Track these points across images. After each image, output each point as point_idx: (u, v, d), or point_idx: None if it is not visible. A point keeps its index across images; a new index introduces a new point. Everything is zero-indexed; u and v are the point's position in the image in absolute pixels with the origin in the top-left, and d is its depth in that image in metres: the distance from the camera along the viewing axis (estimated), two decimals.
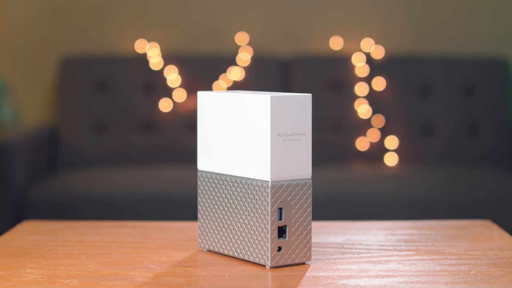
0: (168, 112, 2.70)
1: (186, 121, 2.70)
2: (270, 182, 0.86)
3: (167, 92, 2.71)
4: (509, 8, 2.86)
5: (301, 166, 0.88)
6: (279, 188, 0.86)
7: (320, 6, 2.84)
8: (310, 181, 0.89)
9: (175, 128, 2.70)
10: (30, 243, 0.99)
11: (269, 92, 0.90)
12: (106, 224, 1.13)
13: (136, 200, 2.28)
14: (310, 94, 0.88)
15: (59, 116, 2.71)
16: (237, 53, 2.76)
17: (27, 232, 1.05)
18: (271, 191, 0.86)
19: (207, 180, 0.94)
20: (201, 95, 0.96)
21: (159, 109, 2.70)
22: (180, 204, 2.27)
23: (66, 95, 2.71)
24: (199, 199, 0.96)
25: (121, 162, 2.63)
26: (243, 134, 0.89)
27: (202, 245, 0.96)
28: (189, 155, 2.68)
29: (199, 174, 0.96)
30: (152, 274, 0.83)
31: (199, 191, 0.96)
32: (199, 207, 0.95)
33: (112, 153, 2.68)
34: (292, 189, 0.87)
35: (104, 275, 0.82)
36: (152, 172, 2.48)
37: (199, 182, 0.95)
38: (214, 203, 0.93)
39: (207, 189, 0.95)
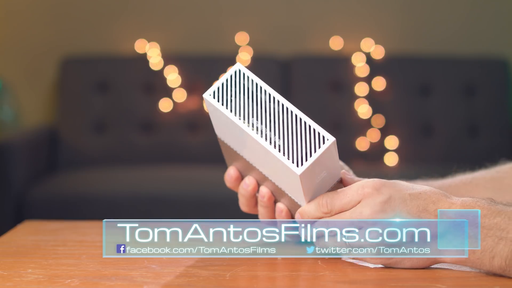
0: (168, 112, 2.70)
1: (186, 121, 2.70)
2: None
3: (167, 92, 2.71)
4: (509, 8, 2.86)
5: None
6: None
7: (320, 6, 2.84)
8: None
9: (175, 128, 2.70)
10: (31, 243, 0.99)
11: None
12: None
13: (136, 200, 2.28)
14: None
15: (59, 116, 2.71)
16: (237, 53, 2.76)
17: (28, 232, 1.05)
18: None
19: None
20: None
21: (159, 109, 2.70)
22: (180, 204, 2.27)
23: (66, 95, 2.71)
24: None
25: (121, 162, 2.63)
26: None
27: None
28: (189, 155, 2.67)
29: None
30: (153, 274, 0.83)
31: None
32: None
33: (112, 153, 2.68)
34: None
35: (105, 275, 0.82)
36: (152, 172, 2.48)
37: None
38: None
39: None
